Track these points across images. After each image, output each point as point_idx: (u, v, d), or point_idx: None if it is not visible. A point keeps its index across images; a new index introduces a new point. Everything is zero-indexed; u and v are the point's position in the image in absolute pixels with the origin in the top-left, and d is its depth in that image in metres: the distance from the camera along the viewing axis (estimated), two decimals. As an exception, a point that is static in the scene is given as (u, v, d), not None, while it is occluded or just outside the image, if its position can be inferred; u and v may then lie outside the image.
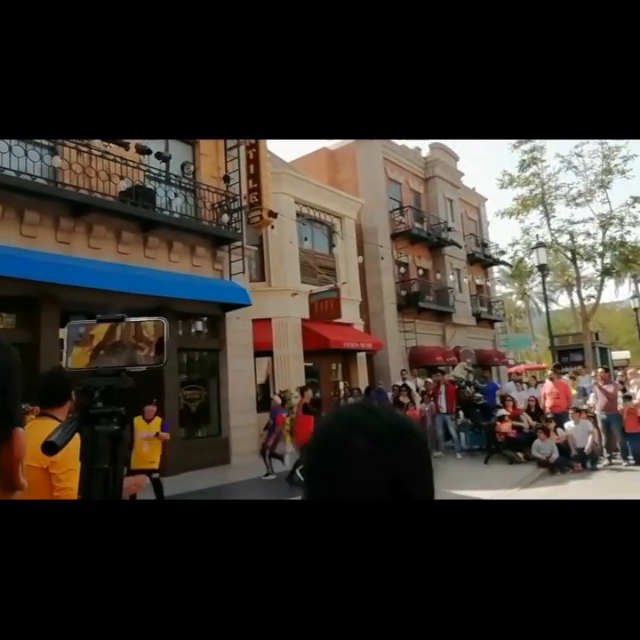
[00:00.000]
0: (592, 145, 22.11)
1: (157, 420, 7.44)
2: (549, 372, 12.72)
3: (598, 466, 10.18)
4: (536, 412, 11.75)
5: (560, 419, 10.86)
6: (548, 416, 11.17)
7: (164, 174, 11.48)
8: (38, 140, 9.28)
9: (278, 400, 11.10)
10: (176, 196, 11.48)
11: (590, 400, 11.25)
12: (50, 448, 0.90)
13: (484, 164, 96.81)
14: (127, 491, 2.08)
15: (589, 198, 22.87)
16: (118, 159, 10.16)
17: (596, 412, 10.81)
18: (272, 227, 13.30)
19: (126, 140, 10.10)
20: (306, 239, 16.58)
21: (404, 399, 12.94)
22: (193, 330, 12.85)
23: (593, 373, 13.34)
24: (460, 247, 23.85)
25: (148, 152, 10.68)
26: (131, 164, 10.39)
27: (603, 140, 20.62)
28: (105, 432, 0.90)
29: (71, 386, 2.65)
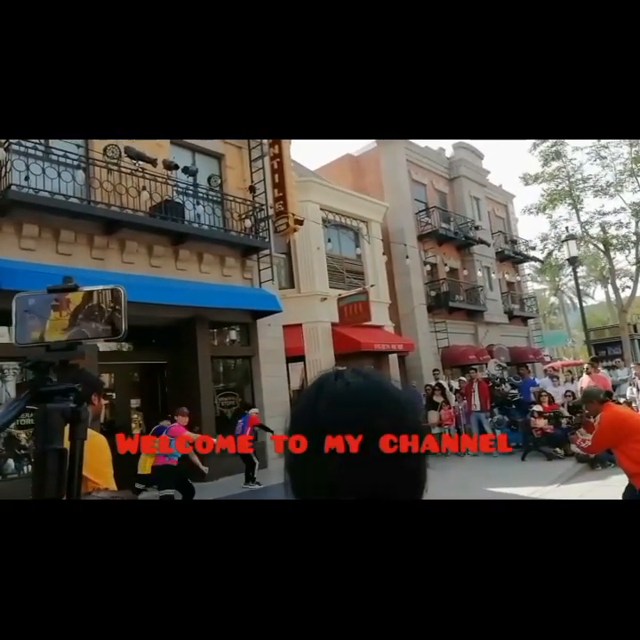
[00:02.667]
0: (617, 134, 21.69)
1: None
2: (586, 365, 12.46)
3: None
4: (573, 406, 11.55)
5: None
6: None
7: (191, 188, 11.73)
8: (69, 160, 9.59)
9: None
10: (197, 203, 11.67)
11: (628, 393, 11.03)
12: None
13: (510, 160, 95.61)
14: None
15: (619, 188, 22.48)
16: (147, 175, 10.42)
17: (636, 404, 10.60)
18: (295, 230, 13.40)
19: (154, 157, 10.37)
20: (329, 241, 16.63)
21: (438, 398, 12.91)
22: (226, 338, 13.06)
23: (632, 365, 13.07)
24: (489, 245, 23.60)
25: (176, 167, 10.91)
26: (159, 179, 10.63)
27: None
28: (57, 410, 0.82)
29: (96, 383, 2.65)
